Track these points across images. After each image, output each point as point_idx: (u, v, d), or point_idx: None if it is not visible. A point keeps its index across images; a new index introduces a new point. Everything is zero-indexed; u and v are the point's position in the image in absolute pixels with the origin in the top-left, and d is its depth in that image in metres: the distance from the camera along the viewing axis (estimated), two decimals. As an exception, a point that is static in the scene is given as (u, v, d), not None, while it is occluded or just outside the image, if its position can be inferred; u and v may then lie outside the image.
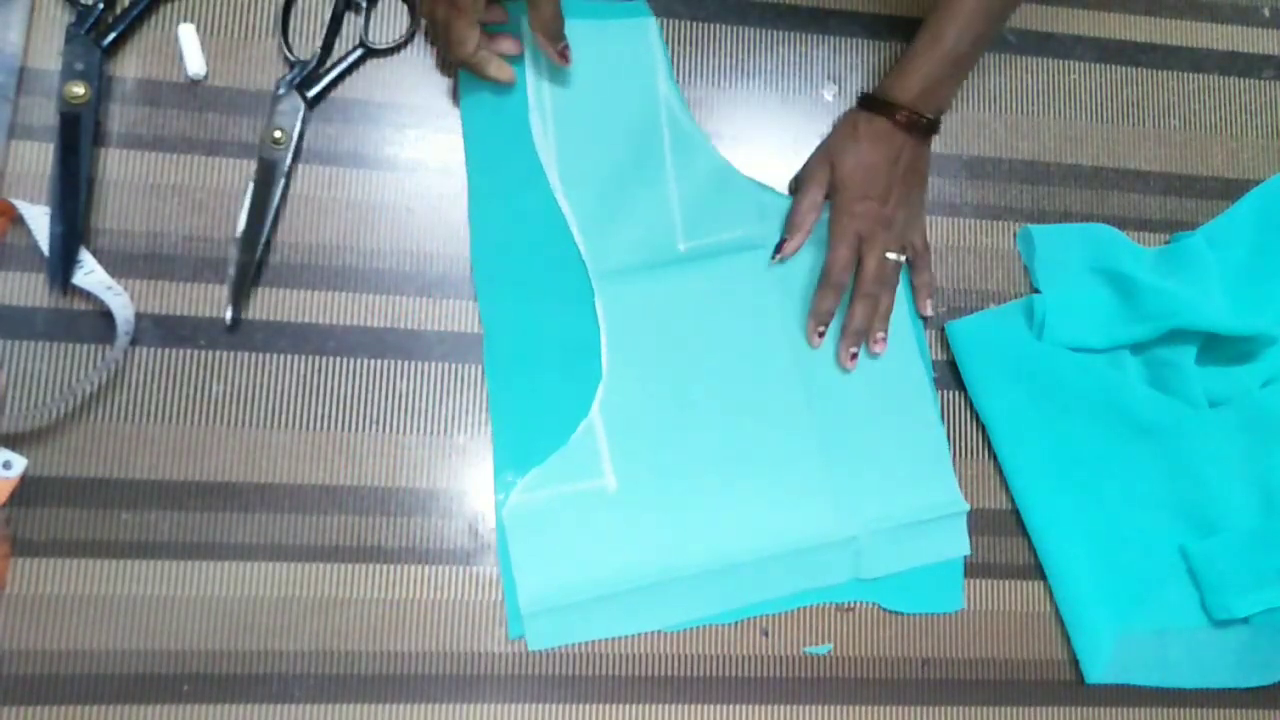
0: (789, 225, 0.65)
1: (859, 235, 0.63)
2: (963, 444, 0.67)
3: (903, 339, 0.66)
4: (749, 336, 0.64)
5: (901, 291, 0.66)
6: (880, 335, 0.64)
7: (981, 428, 0.66)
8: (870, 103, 0.64)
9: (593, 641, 0.60)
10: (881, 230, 0.63)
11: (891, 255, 0.64)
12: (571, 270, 0.63)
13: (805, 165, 0.66)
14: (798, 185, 0.66)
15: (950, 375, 0.67)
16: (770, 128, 0.68)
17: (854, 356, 0.64)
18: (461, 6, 0.57)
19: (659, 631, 0.61)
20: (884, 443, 0.64)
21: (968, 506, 0.64)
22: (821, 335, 0.64)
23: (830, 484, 0.63)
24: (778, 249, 0.64)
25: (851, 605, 0.63)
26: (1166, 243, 0.71)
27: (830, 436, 0.64)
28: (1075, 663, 0.65)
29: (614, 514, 0.61)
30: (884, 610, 0.63)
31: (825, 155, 0.64)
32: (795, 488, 0.63)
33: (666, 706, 0.61)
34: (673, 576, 0.60)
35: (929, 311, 0.66)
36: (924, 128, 0.63)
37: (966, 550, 0.64)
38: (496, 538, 0.60)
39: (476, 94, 0.64)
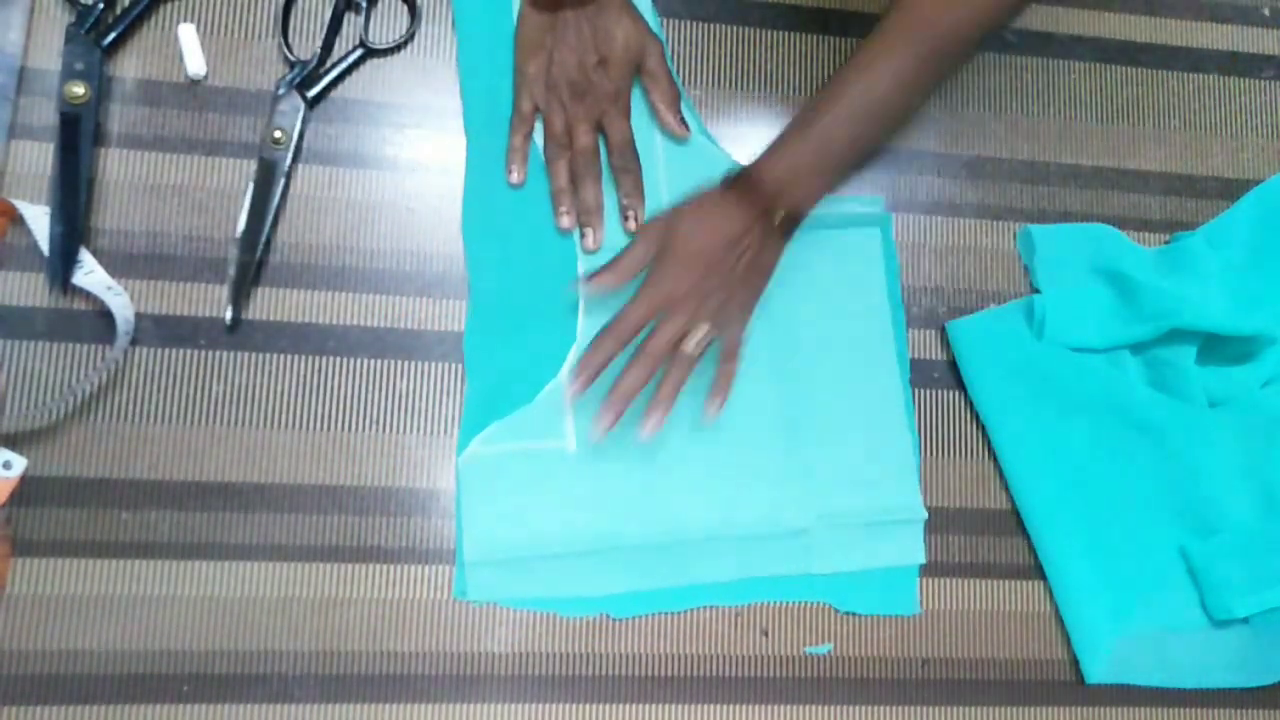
0: (611, 262, 0.57)
1: (666, 300, 0.56)
2: (963, 444, 0.67)
3: (880, 343, 0.66)
4: None
5: (876, 297, 0.66)
6: (656, 414, 0.56)
7: (981, 428, 0.66)
8: (732, 177, 0.57)
9: (593, 641, 0.60)
10: (691, 303, 0.55)
11: (695, 336, 0.56)
12: (558, 238, 0.64)
13: (653, 217, 0.59)
14: (639, 234, 0.59)
15: (950, 375, 0.67)
16: (770, 128, 0.67)
17: (614, 419, 0.56)
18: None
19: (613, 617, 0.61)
20: (848, 442, 0.64)
21: (925, 515, 0.64)
22: (580, 390, 0.55)
23: (789, 475, 0.63)
24: (591, 276, 0.58)
25: (851, 605, 0.64)
26: (1166, 243, 0.71)
27: (795, 428, 0.64)
28: (1075, 663, 0.65)
29: (570, 476, 0.61)
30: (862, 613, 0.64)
31: (671, 213, 0.58)
32: (753, 473, 0.63)
33: (666, 706, 0.61)
34: (621, 544, 0.60)
35: (714, 413, 0.58)
36: (779, 219, 0.56)
37: (921, 558, 0.64)
38: (455, 492, 0.61)
39: (473, 50, 0.64)
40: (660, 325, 0.56)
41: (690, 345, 0.56)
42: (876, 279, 0.66)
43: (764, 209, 0.56)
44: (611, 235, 0.64)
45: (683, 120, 0.64)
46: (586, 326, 0.63)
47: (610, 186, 0.64)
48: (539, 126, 0.64)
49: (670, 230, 0.57)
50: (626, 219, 0.64)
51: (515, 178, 0.63)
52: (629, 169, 0.63)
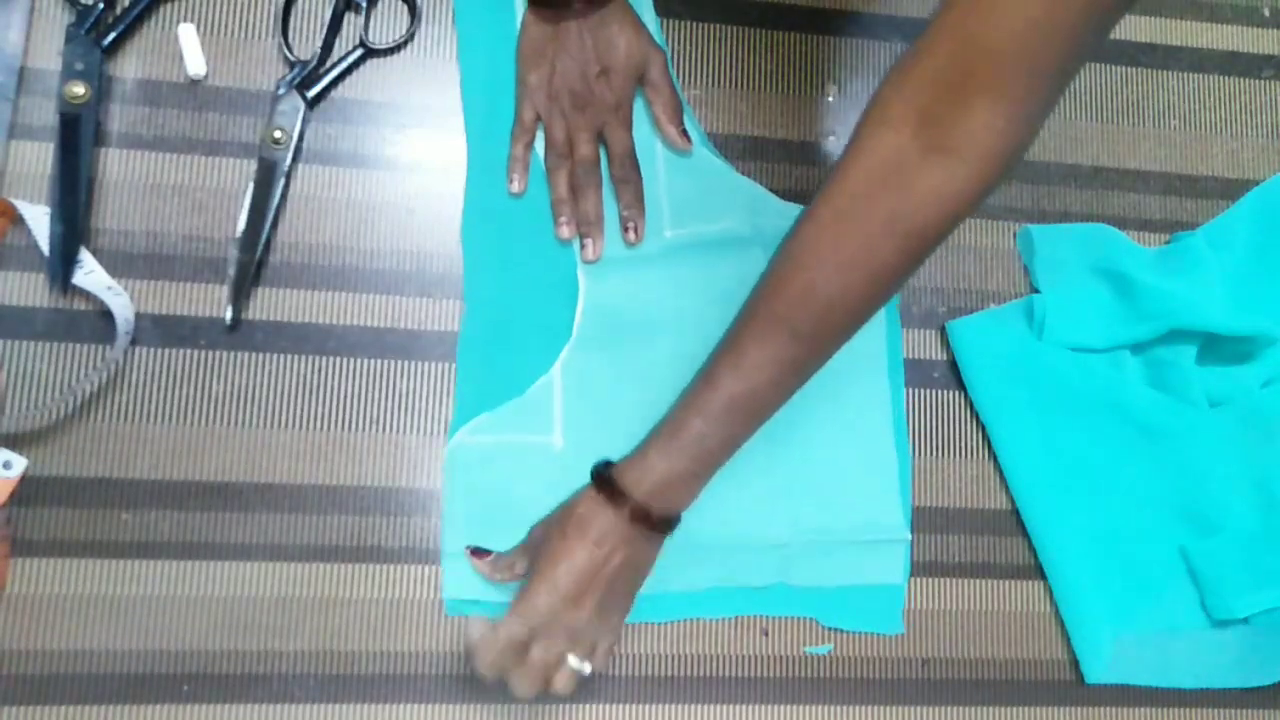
0: (496, 558, 0.58)
1: (532, 631, 0.53)
2: (963, 444, 0.66)
3: (872, 361, 0.66)
4: (721, 327, 0.64)
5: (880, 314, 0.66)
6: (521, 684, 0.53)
7: (981, 428, 0.66)
8: (602, 484, 0.54)
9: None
10: (562, 638, 0.53)
11: (572, 662, 0.53)
12: (556, 245, 0.63)
13: (531, 531, 0.57)
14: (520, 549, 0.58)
15: (950, 375, 0.67)
16: (770, 128, 0.68)
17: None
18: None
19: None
20: (833, 459, 0.64)
21: (908, 536, 0.64)
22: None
23: (771, 487, 0.63)
24: (474, 551, 0.58)
25: (851, 605, 0.63)
26: (1166, 243, 0.71)
27: (781, 442, 0.63)
28: (1075, 663, 0.65)
29: (555, 472, 0.60)
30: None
31: (542, 530, 0.56)
32: (736, 484, 0.61)
33: (666, 706, 0.61)
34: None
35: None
36: (656, 527, 0.53)
37: (900, 579, 0.64)
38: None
39: (474, 55, 0.64)
40: (535, 649, 0.53)
41: (565, 674, 0.53)
42: None
43: (636, 518, 0.53)
44: (611, 245, 0.64)
45: (684, 132, 0.64)
46: (583, 325, 0.63)
47: (611, 197, 0.64)
48: (540, 136, 0.64)
49: (545, 555, 0.54)
50: (626, 230, 0.63)
51: (516, 187, 0.63)
52: (629, 180, 0.63)
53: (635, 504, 0.52)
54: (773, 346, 0.50)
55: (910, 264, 0.48)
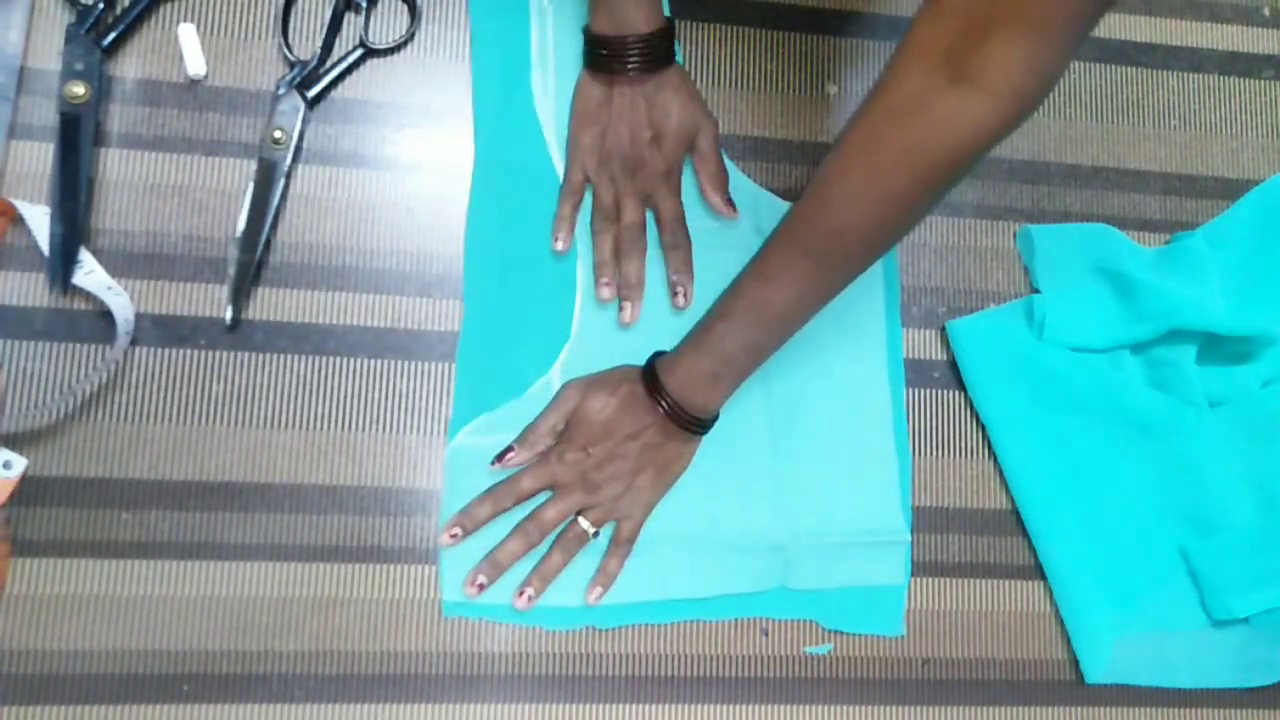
0: (523, 434, 0.60)
1: (554, 481, 0.59)
2: (963, 444, 0.67)
3: (872, 365, 0.66)
4: None
5: (879, 308, 0.66)
6: (529, 589, 0.58)
7: (981, 428, 0.66)
8: (648, 374, 0.59)
9: (592, 641, 0.60)
10: (580, 491, 0.59)
11: (582, 523, 0.59)
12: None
13: (565, 386, 0.61)
14: (552, 400, 0.61)
15: (950, 375, 0.67)
16: (770, 128, 0.68)
17: (481, 587, 0.58)
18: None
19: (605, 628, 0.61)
20: (833, 461, 0.64)
21: (909, 537, 0.64)
22: (448, 545, 0.59)
23: (771, 489, 0.63)
24: (499, 458, 0.59)
25: (851, 605, 0.63)
26: (1166, 243, 0.71)
27: (781, 443, 0.63)
28: (1075, 663, 0.65)
29: None
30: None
31: (583, 387, 0.60)
32: (736, 485, 0.62)
33: (666, 706, 0.61)
34: (601, 551, 0.60)
35: (591, 602, 0.59)
36: (682, 422, 0.58)
37: (901, 580, 0.64)
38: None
39: (485, 50, 0.64)
40: (548, 503, 0.59)
41: (572, 534, 0.59)
42: (875, 295, 0.66)
43: (666, 410, 0.58)
44: (649, 308, 0.63)
45: (729, 201, 0.63)
46: (581, 325, 0.63)
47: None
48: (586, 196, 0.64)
49: (580, 406, 0.59)
50: (675, 294, 0.63)
51: (560, 246, 0.62)
52: (679, 245, 0.63)
53: (664, 397, 0.57)
54: (790, 261, 0.53)
55: (924, 195, 0.49)
